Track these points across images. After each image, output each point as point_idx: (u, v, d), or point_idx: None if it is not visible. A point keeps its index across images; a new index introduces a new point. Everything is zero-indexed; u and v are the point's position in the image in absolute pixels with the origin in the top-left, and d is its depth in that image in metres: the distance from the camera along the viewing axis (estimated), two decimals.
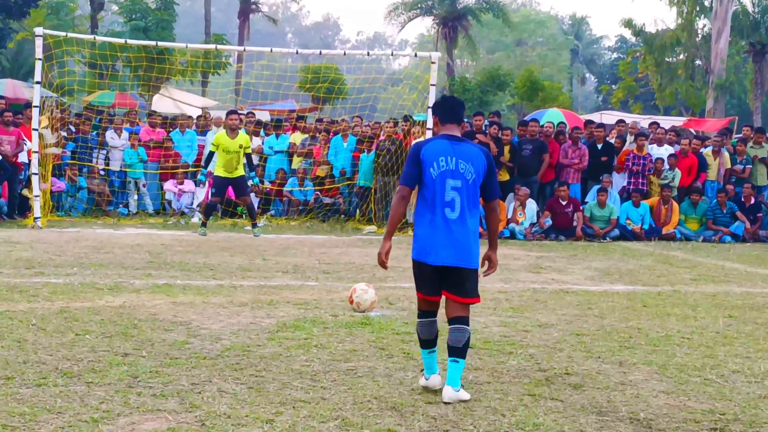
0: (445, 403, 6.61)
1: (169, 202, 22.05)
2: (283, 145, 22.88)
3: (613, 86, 61.29)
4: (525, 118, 25.64)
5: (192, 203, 21.67)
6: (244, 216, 20.61)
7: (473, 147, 6.85)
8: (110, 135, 21.79)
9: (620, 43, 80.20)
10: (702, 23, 47.52)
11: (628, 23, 48.47)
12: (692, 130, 31.30)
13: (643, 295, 12.22)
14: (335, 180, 22.34)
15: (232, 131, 17.99)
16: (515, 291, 12.22)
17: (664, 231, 20.70)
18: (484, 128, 21.09)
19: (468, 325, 6.83)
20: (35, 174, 18.50)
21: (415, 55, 29.82)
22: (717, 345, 9.06)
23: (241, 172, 18.14)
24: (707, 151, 22.36)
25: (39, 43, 18.98)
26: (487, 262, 7.09)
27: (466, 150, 6.82)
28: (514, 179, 20.61)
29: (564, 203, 20.01)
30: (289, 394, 6.72)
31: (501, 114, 28.68)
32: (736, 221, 21.15)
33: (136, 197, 22.08)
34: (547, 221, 19.91)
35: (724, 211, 21.20)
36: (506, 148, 20.52)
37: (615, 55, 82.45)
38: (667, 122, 29.82)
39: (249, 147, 18.44)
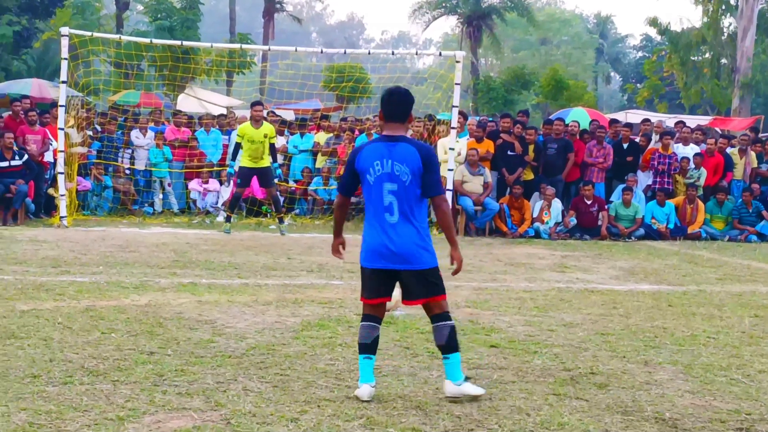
0: (449, 398, 6.63)
1: (194, 201, 22.08)
2: (308, 144, 22.89)
3: (639, 85, 61.02)
4: (550, 117, 25.55)
5: (217, 202, 21.71)
6: (269, 215, 20.64)
7: (409, 146, 6.67)
8: (135, 134, 21.85)
9: (645, 42, 79.68)
10: (728, 22, 47.18)
11: (654, 22, 48.16)
12: (718, 129, 31.13)
13: (668, 295, 12.17)
14: None
15: (257, 122, 18.09)
16: (540, 290, 12.20)
17: (690, 230, 20.59)
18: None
19: (447, 320, 6.76)
20: (61, 173, 18.57)
21: (440, 54, 29.75)
22: (743, 345, 9.02)
23: (266, 162, 18.21)
24: (733, 150, 22.23)
25: (65, 42, 19.05)
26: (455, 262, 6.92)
27: (402, 151, 6.65)
28: (539, 178, 20.56)
29: (589, 202, 19.94)
30: (313, 392, 6.74)
31: (529, 113, 28.55)
32: (762, 220, 21.01)
33: (161, 196, 22.13)
34: (572, 220, 19.84)
35: (750, 211, 21.07)
36: (531, 147, 20.47)
37: (640, 53, 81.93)
38: (692, 121, 29.62)
39: (274, 137, 18.52)
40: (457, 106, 19.54)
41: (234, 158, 18.99)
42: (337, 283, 12.11)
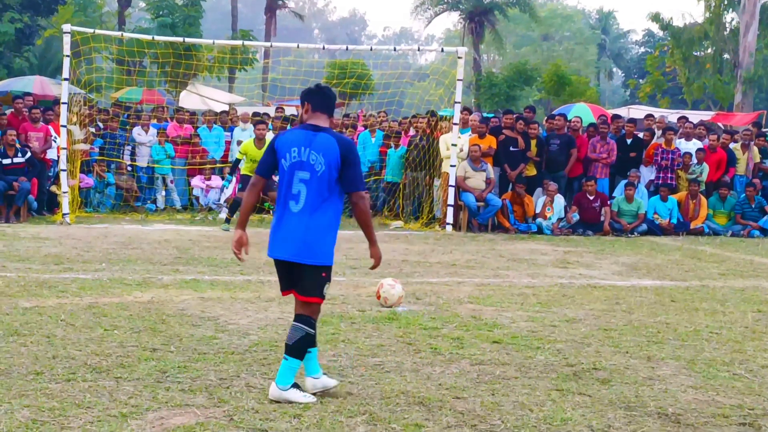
0: (271, 401, 6.41)
1: (197, 198, 22.10)
2: None
3: (641, 80, 60.90)
4: (552, 113, 25.53)
5: (219, 199, 21.71)
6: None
7: (330, 137, 6.52)
8: (137, 131, 21.85)
9: (647, 38, 79.66)
10: (730, 17, 47.14)
11: (656, 17, 48.13)
12: (720, 125, 31.10)
13: (671, 290, 12.17)
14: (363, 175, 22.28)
15: (260, 141, 17.97)
16: (543, 286, 12.20)
17: (692, 225, 20.59)
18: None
19: (307, 325, 6.55)
20: (64, 170, 18.59)
21: (442, 51, 29.65)
22: (746, 340, 9.02)
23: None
24: (736, 146, 22.22)
25: (67, 39, 19.07)
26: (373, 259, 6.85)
27: (321, 141, 6.50)
28: (542, 174, 20.56)
29: (591, 198, 19.93)
30: None
31: (535, 109, 28.54)
32: (765, 216, 21.00)
33: (163, 193, 22.16)
34: (575, 216, 19.83)
35: (753, 206, 21.07)
36: (533, 143, 20.48)
37: (642, 49, 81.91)
38: (695, 116, 29.64)
39: None
40: (459, 102, 19.57)
41: (232, 172, 19.04)
42: (340, 279, 12.07)
